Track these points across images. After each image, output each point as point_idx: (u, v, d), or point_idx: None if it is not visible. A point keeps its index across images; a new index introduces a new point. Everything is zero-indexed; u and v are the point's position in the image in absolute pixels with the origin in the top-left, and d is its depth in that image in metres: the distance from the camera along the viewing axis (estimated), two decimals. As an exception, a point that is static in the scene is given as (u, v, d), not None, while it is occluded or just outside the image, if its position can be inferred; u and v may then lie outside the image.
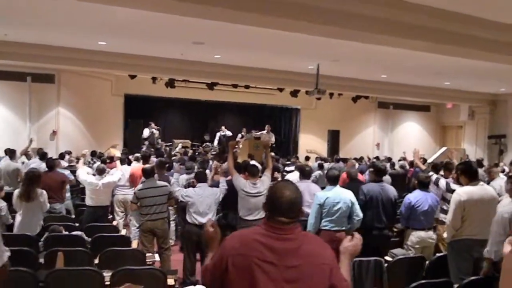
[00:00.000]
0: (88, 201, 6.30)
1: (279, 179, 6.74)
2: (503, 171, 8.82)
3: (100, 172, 6.35)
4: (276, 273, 1.77)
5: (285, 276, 1.78)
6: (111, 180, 6.35)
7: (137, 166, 7.18)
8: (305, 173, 5.91)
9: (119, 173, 6.64)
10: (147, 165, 5.95)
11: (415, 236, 4.97)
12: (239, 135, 14.42)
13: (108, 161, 8.11)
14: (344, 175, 6.39)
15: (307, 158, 12.18)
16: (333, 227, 4.70)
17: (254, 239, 1.83)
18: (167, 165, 7.22)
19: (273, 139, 13.95)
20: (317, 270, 1.82)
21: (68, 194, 7.14)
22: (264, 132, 14.38)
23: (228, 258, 1.83)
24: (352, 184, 5.69)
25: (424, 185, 5.18)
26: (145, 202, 5.34)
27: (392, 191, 5.22)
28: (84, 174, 6.35)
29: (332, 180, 4.92)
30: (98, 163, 8.18)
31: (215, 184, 5.61)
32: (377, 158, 13.05)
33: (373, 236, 4.98)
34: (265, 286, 1.76)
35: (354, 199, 4.87)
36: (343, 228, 4.78)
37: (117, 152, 10.11)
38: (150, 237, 5.36)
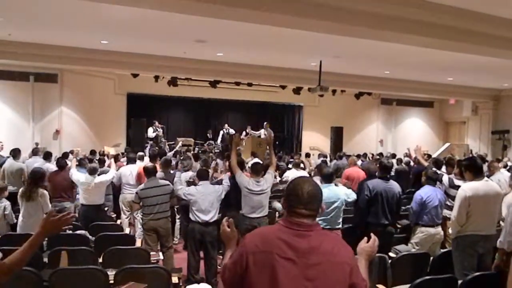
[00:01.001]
0: (82, 200, 6.31)
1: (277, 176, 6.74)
2: (505, 166, 8.78)
3: (92, 171, 6.33)
4: (297, 271, 1.77)
5: (306, 273, 1.77)
6: (103, 180, 6.32)
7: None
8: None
9: (113, 172, 6.61)
10: (148, 164, 5.93)
11: (424, 232, 4.94)
12: (244, 133, 14.42)
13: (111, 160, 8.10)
14: (351, 171, 6.35)
15: (308, 155, 12.17)
16: (326, 226, 4.68)
17: (275, 236, 1.83)
18: (172, 164, 7.23)
19: (272, 135, 13.90)
20: (337, 268, 1.81)
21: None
22: (262, 130, 14.35)
23: (249, 256, 1.82)
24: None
25: (433, 181, 5.15)
26: (147, 202, 5.34)
27: (397, 187, 5.20)
28: (77, 173, 6.34)
29: (327, 178, 4.90)
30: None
31: (219, 182, 5.61)
32: (380, 154, 13.01)
33: (376, 233, 4.96)
34: (285, 283, 1.75)
35: (348, 192, 4.86)
36: (337, 227, 4.77)
37: (111, 150, 10.08)
38: (154, 236, 5.36)
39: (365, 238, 2.15)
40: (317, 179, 5.58)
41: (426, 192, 5.02)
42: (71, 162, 6.69)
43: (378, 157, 11.64)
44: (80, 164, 7.22)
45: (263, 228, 1.99)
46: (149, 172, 5.56)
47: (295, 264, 1.77)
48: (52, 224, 2.18)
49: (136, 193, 5.46)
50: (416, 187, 5.98)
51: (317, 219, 4.63)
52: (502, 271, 3.48)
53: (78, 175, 6.30)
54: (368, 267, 2.10)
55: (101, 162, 7.69)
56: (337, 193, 4.76)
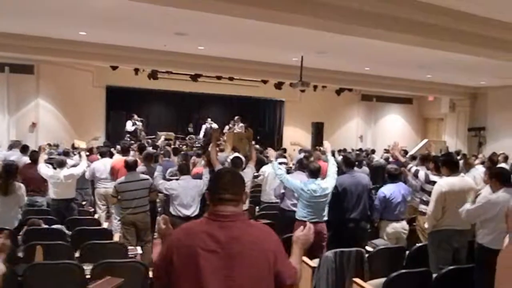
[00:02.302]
0: (52, 195, 6.16)
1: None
2: (482, 162, 8.97)
3: (60, 164, 6.19)
4: (219, 262, 1.79)
5: (228, 264, 1.79)
6: (73, 172, 6.18)
7: (118, 159, 7.09)
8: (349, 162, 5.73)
9: (83, 165, 6.49)
10: (129, 158, 5.85)
11: (390, 227, 5.07)
12: (226, 127, 14.36)
13: (87, 153, 7.96)
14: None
15: (285, 150, 12.21)
16: (314, 219, 4.71)
17: (198, 230, 1.86)
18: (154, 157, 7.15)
19: (242, 130, 13.82)
20: (260, 257, 1.83)
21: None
22: (233, 125, 14.23)
23: (173, 250, 1.85)
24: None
25: (394, 177, 5.27)
26: (125, 196, 5.29)
27: (364, 179, 5.27)
28: (44, 167, 6.20)
29: (313, 173, 4.94)
30: (77, 155, 8.08)
31: (198, 176, 5.59)
32: (360, 150, 13.16)
33: (348, 229, 5.03)
34: (209, 275, 1.77)
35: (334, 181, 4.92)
36: (324, 220, 4.82)
37: (82, 144, 9.90)
38: (132, 229, 5.32)
39: (301, 227, 2.16)
40: (298, 174, 5.62)
41: (389, 189, 5.14)
42: (40, 157, 6.53)
43: (357, 152, 11.77)
44: (66, 154, 7.10)
45: (189, 222, 2.01)
46: (129, 166, 5.49)
47: (218, 256, 1.79)
48: None
49: (114, 186, 5.40)
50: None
51: (305, 210, 4.64)
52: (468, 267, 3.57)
53: (45, 169, 6.15)
54: (302, 255, 2.13)
55: (66, 154, 7.54)
56: (323, 187, 4.80)
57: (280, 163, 5.43)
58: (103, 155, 7.36)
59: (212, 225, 1.85)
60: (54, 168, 6.19)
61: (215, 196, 1.91)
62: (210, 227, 1.85)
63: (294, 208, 5.19)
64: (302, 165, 5.79)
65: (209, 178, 2.10)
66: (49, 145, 9.29)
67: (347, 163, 5.40)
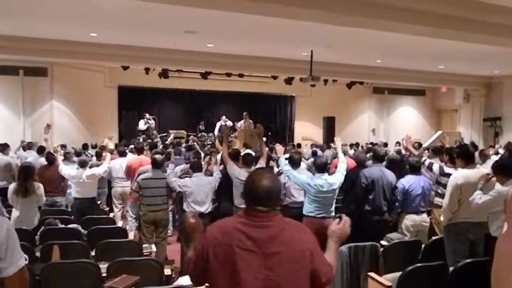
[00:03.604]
0: (75, 194, 6.30)
1: (275, 167, 6.74)
2: (497, 153, 8.84)
3: (82, 164, 6.30)
4: (257, 261, 1.78)
5: (266, 263, 1.79)
6: (95, 172, 6.30)
7: (133, 158, 7.15)
8: (294, 161, 5.78)
9: (106, 165, 6.59)
10: (157, 156, 5.91)
11: (409, 220, 5.01)
12: (238, 124, 14.37)
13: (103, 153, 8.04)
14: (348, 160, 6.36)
15: (299, 145, 12.19)
16: (321, 214, 4.72)
17: (234, 228, 1.84)
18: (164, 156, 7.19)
19: (252, 126, 13.84)
20: (298, 255, 1.83)
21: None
22: (242, 121, 14.25)
23: (209, 248, 1.84)
24: (359, 169, 5.66)
25: (415, 169, 5.20)
26: (147, 193, 5.36)
27: (391, 175, 5.25)
28: (66, 168, 6.31)
29: (321, 167, 4.92)
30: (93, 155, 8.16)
31: (209, 174, 5.63)
32: (372, 143, 13.05)
33: (373, 222, 5.04)
34: (246, 274, 1.77)
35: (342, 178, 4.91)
36: (331, 215, 4.81)
37: (110, 144, 10.04)
38: (152, 228, 5.40)
39: (336, 220, 2.13)
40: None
41: (408, 181, 5.08)
42: (57, 158, 6.63)
43: (370, 146, 11.69)
44: (66, 158, 7.18)
45: (223, 220, 1.99)
46: (157, 164, 5.55)
47: (255, 255, 1.79)
48: None
49: (137, 182, 5.46)
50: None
51: (312, 205, 4.65)
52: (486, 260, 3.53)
53: (67, 170, 6.26)
54: (337, 250, 2.10)
55: (98, 156, 7.64)
56: (330, 183, 4.78)
57: (286, 159, 5.42)
58: (122, 154, 7.42)
59: (248, 224, 1.84)
60: (77, 168, 6.30)
61: (250, 205, 1.89)
62: (246, 226, 1.84)
63: (295, 205, 5.28)
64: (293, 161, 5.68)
65: (246, 180, 2.04)
66: (62, 146, 9.41)
67: (376, 157, 5.40)
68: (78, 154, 8.14)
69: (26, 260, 2.04)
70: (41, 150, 8.23)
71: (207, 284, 1.93)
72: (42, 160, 7.57)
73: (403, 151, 9.37)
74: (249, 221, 1.85)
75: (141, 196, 5.46)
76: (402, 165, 6.10)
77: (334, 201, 4.90)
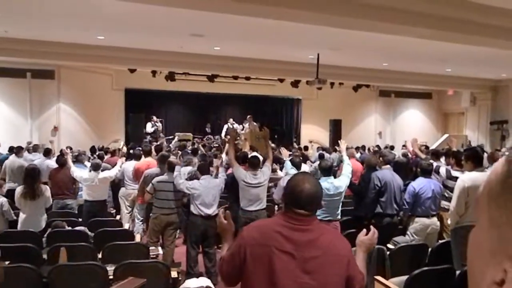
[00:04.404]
0: (85, 196, 6.31)
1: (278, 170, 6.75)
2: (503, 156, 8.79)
3: (95, 167, 6.33)
4: (295, 264, 1.78)
5: (304, 266, 1.78)
6: (107, 175, 6.33)
7: (141, 162, 7.16)
8: (295, 164, 5.77)
9: (117, 168, 6.61)
10: (172, 158, 5.91)
11: (419, 223, 4.97)
12: (240, 127, 14.40)
13: (109, 155, 8.10)
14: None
15: (306, 148, 12.17)
16: (327, 217, 4.73)
17: (273, 230, 1.84)
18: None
19: (257, 128, 13.86)
20: (335, 261, 1.83)
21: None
22: (246, 124, 14.25)
23: (247, 248, 1.83)
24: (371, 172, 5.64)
25: (426, 172, 5.17)
26: (160, 195, 5.36)
27: (399, 178, 5.26)
28: (78, 170, 6.35)
29: (326, 171, 4.92)
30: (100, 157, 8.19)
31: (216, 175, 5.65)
32: (377, 146, 13.01)
33: (384, 225, 5.04)
34: (283, 276, 1.76)
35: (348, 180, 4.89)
36: (337, 218, 4.81)
37: (125, 148, 10.08)
38: (160, 231, 5.39)
39: (364, 230, 2.14)
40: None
41: (419, 184, 5.06)
42: (67, 161, 6.66)
43: (376, 149, 11.65)
44: (78, 160, 7.22)
45: (261, 220, 2.00)
46: (171, 167, 5.55)
47: (293, 257, 1.78)
48: None
49: (152, 184, 5.45)
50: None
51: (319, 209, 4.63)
52: None
53: (80, 172, 6.31)
54: (366, 260, 2.10)
55: (100, 158, 7.67)
56: (336, 186, 4.78)
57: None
58: (136, 157, 7.42)
59: (288, 227, 1.84)
60: (89, 171, 6.34)
61: (290, 207, 1.88)
62: (285, 228, 1.83)
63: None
64: (293, 164, 5.67)
65: (288, 181, 2.04)
66: (69, 148, 9.47)
67: (385, 160, 5.42)
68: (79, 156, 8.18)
69: None
70: (47, 153, 8.28)
71: None
72: (48, 163, 7.62)
73: (409, 154, 9.36)
74: (289, 223, 1.84)
75: (154, 198, 5.45)
76: (408, 168, 6.10)
77: (340, 204, 4.89)
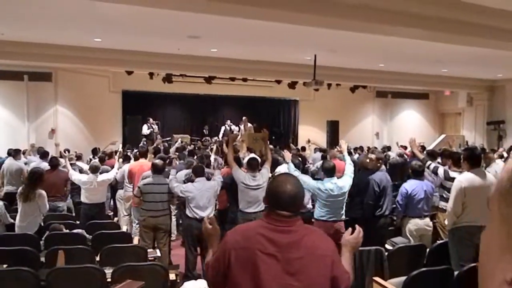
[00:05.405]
0: (84, 199, 6.30)
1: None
2: (501, 156, 8.81)
3: (94, 170, 6.31)
4: (278, 265, 1.78)
5: (288, 268, 1.78)
6: (105, 178, 6.33)
7: (135, 164, 7.15)
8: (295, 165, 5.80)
9: (115, 170, 6.61)
10: (158, 161, 5.91)
11: (412, 224, 5.02)
12: (236, 128, 14.42)
13: (107, 158, 8.08)
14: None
15: (304, 149, 12.18)
16: (332, 218, 4.74)
17: (256, 232, 1.84)
18: (167, 161, 7.19)
19: (252, 130, 13.86)
20: (318, 261, 1.83)
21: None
22: (241, 126, 14.23)
23: (231, 252, 1.83)
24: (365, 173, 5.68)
25: (418, 174, 5.21)
26: (147, 198, 5.34)
27: (390, 180, 5.31)
28: (77, 173, 6.34)
29: (329, 172, 4.93)
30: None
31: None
32: (374, 148, 13.03)
33: (380, 226, 5.09)
34: (268, 278, 1.76)
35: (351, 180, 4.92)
36: (341, 218, 4.82)
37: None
38: (151, 234, 5.36)
39: (349, 230, 2.14)
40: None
41: (411, 185, 5.09)
42: (65, 163, 6.64)
43: (373, 150, 11.66)
44: (79, 159, 7.18)
45: (245, 224, 2.00)
46: (157, 169, 5.54)
47: (276, 259, 1.78)
48: None
49: (139, 187, 5.46)
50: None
51: (323, 210, 4.71)
52: None
53: (78, 175, 6.29)
54: (352, 259, 2.11)
55: (101, 161, 7.66)
56: (340, 186, 4.79)
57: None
58: (135, 159, 7.40)
59: (270, 229, 1.84)
60: (88, 174, 6.33)
61: (273, 209, 1.89)
62: (268, 230, 1.84)
63: (302, 210, 5.27)
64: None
65: (269, 183, 2.04)
66: (67, 151, 9.44)
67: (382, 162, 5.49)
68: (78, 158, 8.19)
69: None
70: (44, 155, 8.26)
71: None
72: (45, 165, 7.59)
73: (405, 155, 9.36)
74: (271, 225, 1.85)
75: (142, 201, 5.44)
76: (404, 168, 6.12)
77: (344, 204, 4.91)
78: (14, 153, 8.18)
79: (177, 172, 6.02)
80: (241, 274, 1.80)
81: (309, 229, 1.95)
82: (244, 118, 14.45)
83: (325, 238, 1.94)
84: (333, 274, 1.84)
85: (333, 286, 1.85)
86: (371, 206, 5.22)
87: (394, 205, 5.24)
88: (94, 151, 9.92)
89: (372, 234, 4.95)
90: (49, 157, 8.15)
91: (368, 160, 5.47)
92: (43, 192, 5.30)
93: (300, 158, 7.58)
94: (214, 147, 8.95)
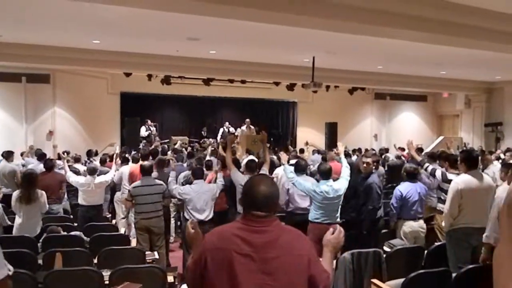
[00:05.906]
0: (81, 201, 6.28)
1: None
2: (498, 158, 8.83)
3: (91, 172, 6.30)
4: (254, 266, 1.79)
5: (264, 268, 1.79)
6: (103, 180, 6.31)
7: (136, 165, 7.14)
8: (301, 167, 5.81)
9: (112, 172, 6.60)
10: (145, 162, 5.89)
11: (407, 226, 5.04)
12: (238, 130, 14.39)
13: (109, 160, 8.07)
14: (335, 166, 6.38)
15: (302, 151, 12.18)
16: (326, 220, 4.74)
17: (232, 233, 1.86)
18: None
19: (254, 133, 13.86)
20: (295, 261, 1.83)
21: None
22: (244, 127, 14.24)
23: (207, 253, 1.85)
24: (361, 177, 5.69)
25: (412, 176, 5.23)
26: (139, 200, 5.32)
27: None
28: (74, 175, 6.32)
29: (325, 174, 4.93)
30: (96, 162, 8.17)
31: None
32: (372, 149, 13.05)
33: (378, 227, 5.16)
34: (244, 278, 1.77)
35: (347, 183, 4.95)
36: (336, 221, 4.83)
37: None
38: (146, 235, 5.34)
39: (331, 230, 2.15)
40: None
41: (405, 188, 5.11)
42: (63, 165, 6.62)
43: (373, 151, 11.69)
44: (77, 161, 7.16)
45: (222, 226, 2.00)
46: (145, 170, 5.52)
47: (252, 259, 1.79)
48: None
49: (129, 190, 5.45)
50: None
51: (318, 212, 4.71)
52: (489, 265, 3.52)
53: (75, 177, 6.27)
54: (333, 259, 2.12)
55: (102, 162, 7.65)
56: (335, 189, 4.79)
57: (292, 165, 5.44)
58: (134, 160, 7.38)
59: (246, 229, 1.85)
60: (85, 175, 6.31)
61: (248, 210, 1.91)
62: (243, 231, 1.85)
63: (299, 212, 5.30)
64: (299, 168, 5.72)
65: (244, 184, 2.05)
66: (66, 152, 9.42)
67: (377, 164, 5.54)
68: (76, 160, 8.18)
69: (10, 271, 1.95)
70: (41, 157, 8.24)
71: None
72: (42, 167, 7.58)
73: (402, 157, 9.37)
74: (246, 226, 1.87)
75: (134, 204, 5.42)
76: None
77: (339, 207, 4.91)
78: (6, 155, 8.14)
79: (177, 175, 6.01)
80: (217, 275, 1.81)
81: (286, 229, 1.96)
82: (247, 120, 14.42)
83: (301, 238, 1.95)
84: (310, 273, 1.84)
85: (311, 285, 1.85)
86: (376, 210, 5.26)
87: (389, 208, 5.25)
88: (89, 153, 9.87)
89: (372, 234, 5.00)
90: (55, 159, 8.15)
91: (365, 165, 5.46)
92: (44, 192, 5.31)
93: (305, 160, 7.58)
94: (209, 149, 8.94)
